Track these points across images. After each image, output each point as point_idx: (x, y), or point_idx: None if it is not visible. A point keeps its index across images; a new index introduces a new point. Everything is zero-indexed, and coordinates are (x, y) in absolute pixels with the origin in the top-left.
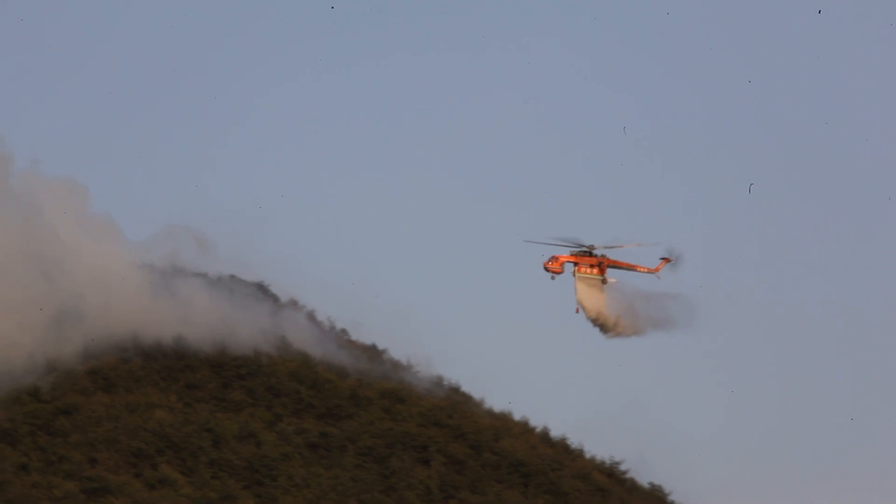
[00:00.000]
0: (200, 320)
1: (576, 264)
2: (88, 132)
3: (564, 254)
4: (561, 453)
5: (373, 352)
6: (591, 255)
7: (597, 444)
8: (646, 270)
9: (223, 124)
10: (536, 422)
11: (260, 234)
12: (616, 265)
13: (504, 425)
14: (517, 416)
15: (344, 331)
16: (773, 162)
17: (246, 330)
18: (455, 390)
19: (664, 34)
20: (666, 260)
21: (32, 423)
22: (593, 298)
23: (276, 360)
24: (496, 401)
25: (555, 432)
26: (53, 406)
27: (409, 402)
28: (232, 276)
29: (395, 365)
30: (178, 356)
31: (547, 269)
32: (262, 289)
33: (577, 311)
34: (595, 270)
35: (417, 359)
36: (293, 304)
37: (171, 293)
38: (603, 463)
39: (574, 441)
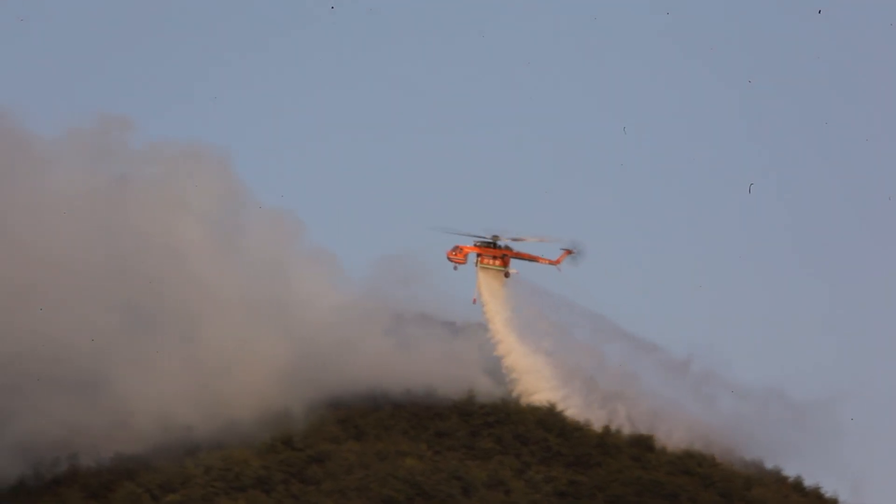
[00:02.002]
0: (448, 368)
1: (479, 255)
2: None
3: (468, 244)
4: (814, 503)
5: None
6: (495, 246)
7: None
8: (547, 262)
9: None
10: (790, 471)
11: None
12: (519, 256)
13: (755, 473)
14: (769, 465)
15: (592, 378)
16: (772, 162)
17: (493, 378)
18: (706, 438)
19: (664, 34)
20: (567, 252)
21: (286, 471)
22: (493, 290)
23: (523, 408)
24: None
25: (809, 481)
26: (306, 454)
27: (659, 450)
28: (479, 325)
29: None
30: (427, 404)
31: (450, 259)
32: None
33: (475, 302)
34: (498, 262)
35: None
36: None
37: (417, 340)
38: None
39: (828, 490)
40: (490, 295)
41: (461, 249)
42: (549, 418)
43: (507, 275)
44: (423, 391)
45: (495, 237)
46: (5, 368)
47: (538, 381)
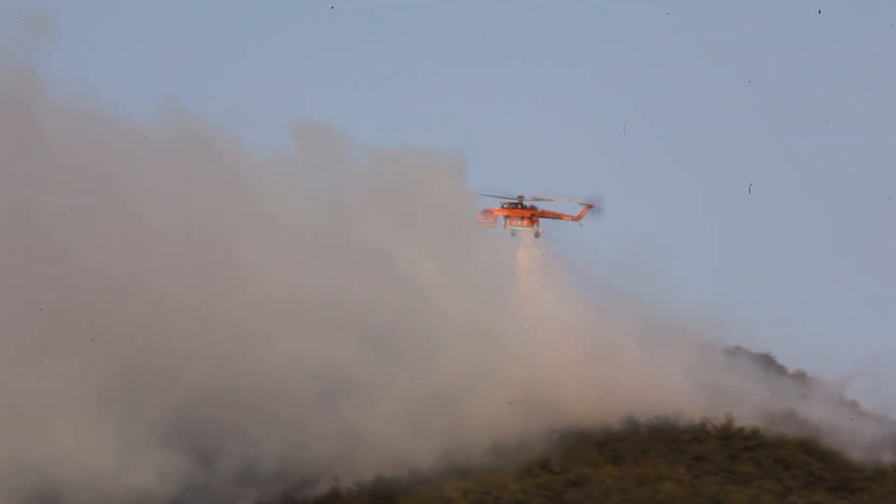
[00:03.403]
0: (707, 393)
1: (507, 217)
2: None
3: (496, 206)
4: None
5: (886, 421)
6: (521, 206)
7: None
8: (570, 219)
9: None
10: None
11: (768, 305)
12: (544, 215)
13: None
14: None
15: (854, 402)
16: (771, 162)
17: (752, 402)
18: None
19: (663, 34)
20: (588, 206)
21: (544, 495)
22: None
23: (784, 432)
24: None
25: None
26: (564, 478)
27: None
28: (737, 347)
29: None
30: (685, 428)
31: (482, 224)
32: (768, 360)
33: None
34: (526, 222)
35: None
36: (801, 375)
37: (667, 360)
38: None
39: None
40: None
41: (490, 212)
42: (810, 442)
43: (537, 234)
44: (680, 414)
45: (520, 197)
46: (251, 390)
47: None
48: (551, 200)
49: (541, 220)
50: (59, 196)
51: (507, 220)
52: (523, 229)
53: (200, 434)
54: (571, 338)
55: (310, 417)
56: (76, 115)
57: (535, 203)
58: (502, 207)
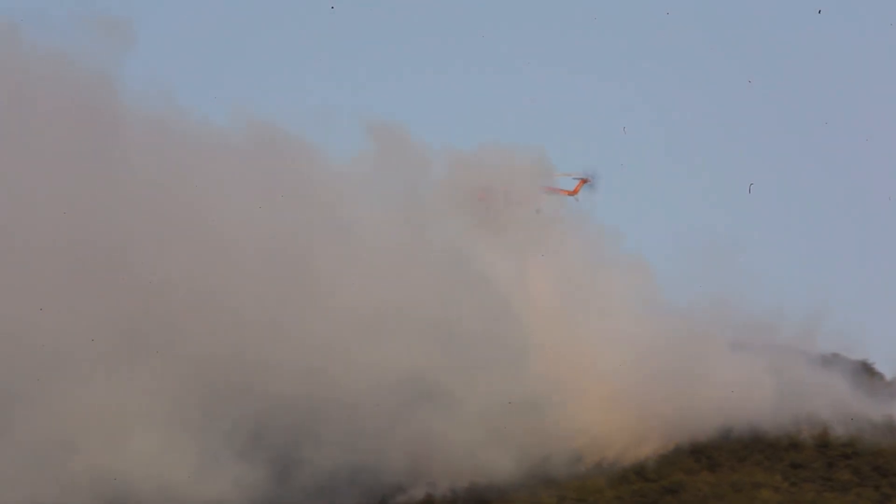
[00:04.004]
0: (803, 398)
1: (507, 194)
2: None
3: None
4: None
5: None
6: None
7: None
8: (566, 193)
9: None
10: None
11: (865, 310)
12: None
13: None
14: None
15: None
16: (771, 162)
17: (850, 409)
18: None
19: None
20: (583, 181)
21: (640, 502)
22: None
23: (882, 440)
24: None
25: None
26: (659, 485)
27: None
28: (835, 354)
29: None
30: (781, 435)
31: (482, 201)
32: (865, 367)
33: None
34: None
35: None
36: None
37: (772, 370)
38: None
39: None
40: None
41: (492, 188)
42: None
43: (537, 211)
44: (776, 421)
45: None
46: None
47: None
48: (552, 176)
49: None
50: (133, 205)
51: (507, 198)
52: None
53: (277, 445)
54: (659, 341)
55: (389, 426)
56: (151, 123)
57: None
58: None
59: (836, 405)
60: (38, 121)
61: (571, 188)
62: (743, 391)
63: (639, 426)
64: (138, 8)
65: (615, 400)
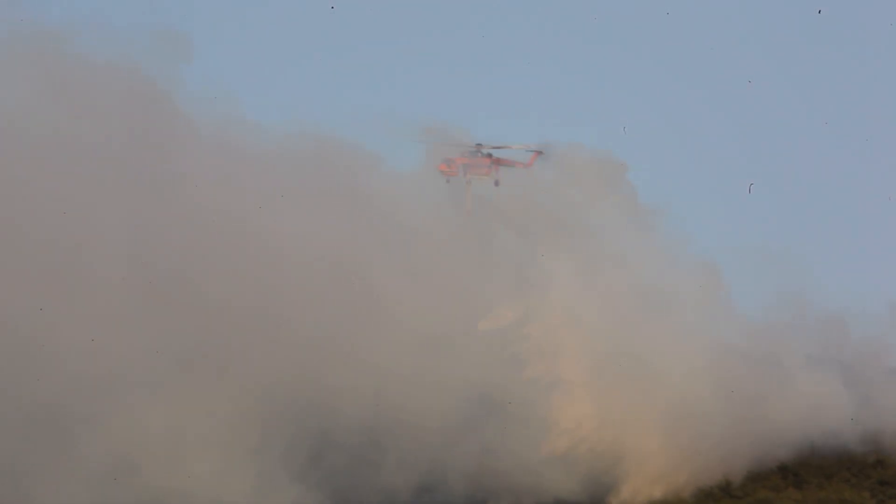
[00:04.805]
0: (883, 412)
1: (467, 166)
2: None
3: (457, 155)
4: None
5: None
6: (480, 154)
7: None
8: (521, 166)
9: None
10: None
11: None
12: (500, 163)
13: None
14: None
15: None
16: (771, 162)
17: None
18: None
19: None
20: (537, 153)
21: None
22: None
23: None
24: None
25: None
26: (745, 501)
27: None
28: None
29: None
30: (868, 452)
31: (443, 173)
32: None
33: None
34: (486, 171)
35: None
36: None
37: (847, 381)
38: None
39: None
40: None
41: (454, 161)
42: None
43: (496, 183)
44: (863, 439)
45: (479, 146)
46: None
47: None
48: (509, 148)
49: (499, 168)
50: (192, 223)
51: (468, 170)
52: (482, 178)
53: (335, 467)
54: (736, 355)
55: (453, 445)
56: (210, 136)
57: (491, 151)
58: (462, 156)
59: None
60: (95, 134)
61: (526, 161)
62: (822, 405)
63: (719, 443)
64: (196, 18)
65: (691, 415)
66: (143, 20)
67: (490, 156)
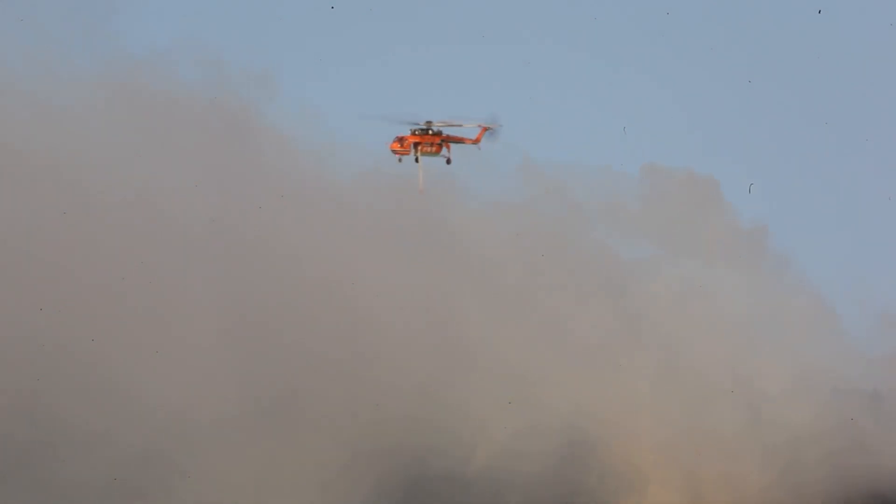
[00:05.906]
0: None
1: (418, 144)
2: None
3: (408, 133)
4: None
5: None
6: (431, 132)
7: None
8: (470, 142)
9: None
10: None
11: None
12: (450, 140)
13: None
14: None
15: None
16: (771, 161)
17: None
18: None
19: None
20: (484, 128)
21: None
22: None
23: None
24: None
25: None
26: None
27: None
28: None
29: None
30: None
31: (394, 152)
32: None
33: (422, 193)
34: (436, 149)
35: None
36: None
37: None
38: None
39: None
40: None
41: (405, 139)
42: None
43: (448, 161)
44: None
45: (429, 123)
46: None
47: None
48: (459, 126)
49: (450, 145)
50: (280, 271)
51: (419, 148)
52: (433, 157)
53: None
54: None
55: (545, 485)
56: (290, 182)
57: (441, 128)
58: (413, 134)
59: None
60: (185, 181)
61: (474, 136)
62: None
63: (816, 476)
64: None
65: (800, 450)
66: (231, 55)
67: (440, 133)
